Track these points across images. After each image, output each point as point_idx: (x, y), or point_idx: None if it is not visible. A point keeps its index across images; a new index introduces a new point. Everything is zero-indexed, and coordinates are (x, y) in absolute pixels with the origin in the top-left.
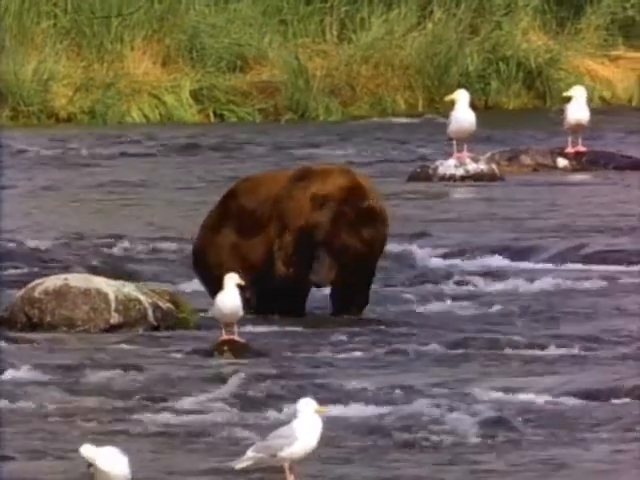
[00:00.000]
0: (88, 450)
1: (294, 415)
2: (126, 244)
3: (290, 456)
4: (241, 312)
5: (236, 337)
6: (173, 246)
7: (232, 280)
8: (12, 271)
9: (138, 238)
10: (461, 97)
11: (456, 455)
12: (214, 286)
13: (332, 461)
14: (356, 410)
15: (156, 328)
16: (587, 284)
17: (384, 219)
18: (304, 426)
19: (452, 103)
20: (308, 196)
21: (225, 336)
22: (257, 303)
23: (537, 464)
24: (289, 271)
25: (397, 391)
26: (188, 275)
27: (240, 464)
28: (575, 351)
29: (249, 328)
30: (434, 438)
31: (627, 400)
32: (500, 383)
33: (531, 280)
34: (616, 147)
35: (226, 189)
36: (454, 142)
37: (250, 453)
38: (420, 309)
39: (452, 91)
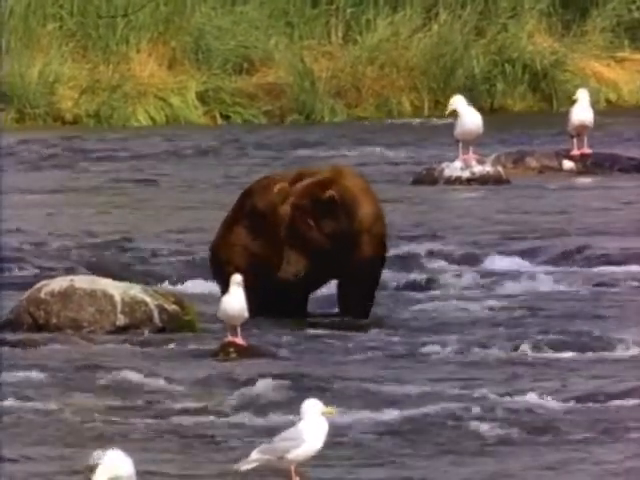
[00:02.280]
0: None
1: (300, 417)
2: (132, 246)
3: (296, 458)
4: (246, 314)
5: (239, 340)
6: (179, 248)
7: (238, 282)
8: (18, 272)
9: (144, 240)
10: (459, 102)
11: (464, 457)
12: (226, 285)
13: (339, 463)
14: (363, 412)
15: (162, 330)
16: (593, 286)
17: (350, 212)
18: (310, 428)
19: (453, 112)
20: (277, 193)
21: (230, 338)
22: (262, 303)
23: (547, 466)
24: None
25: (403, 393)
26: (194, 277)
27: (245, 466)
28: (581, 353)
29: (255, 330)
30: (442, 440)
31: (627, 402)
32: (506, 385)
33: (537, 282)
34: (622, 149)
35: (234, 189)
36: (460, 144)
37: (256, 455)
38: (426, 311)
39: (458, 93)
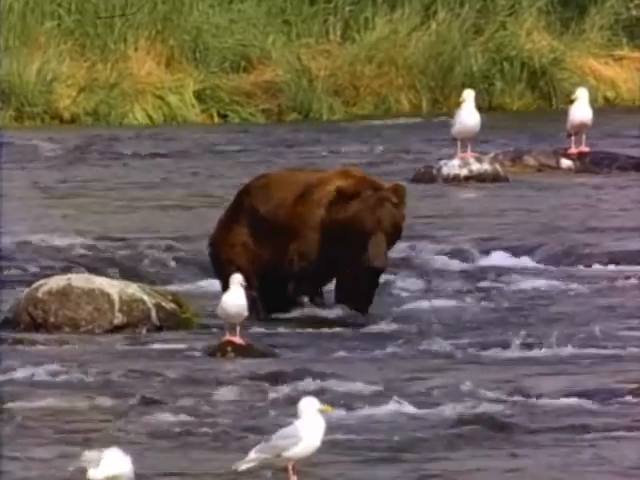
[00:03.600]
0: (96, 474)
1: (297, 415)
2: (129, 244)
3: (295, 456)
4: (246, 313)
5: (237, 339)
6: (176, 247)
7: (237, 281)
8: (15, 271)
9: (141, 239)
10: (468, 97)
11: (461, 455)
12: (225, 282)
13: (337, 461)
14: (360, 411)
15: (159, 328)
16: (591, 284)
17: None
18: (308, 426)
19: (458, 104)
20: (330, 195)
21: (229, 337)
22: (265, 303)
23: (541, 465)
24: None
25: (402, 391)
26: (191, 276)
27: (244, 465)
28: (579, 352)
29: (253, 328)
30: (439, 438)
31: (628, 400)
32: (504, 383)
33: (534, 280)
34: (619, 147)
35: (232, 187)
36: (458, 142)
37: (254, 454)
38: (423, 310)
39: (456, 91)
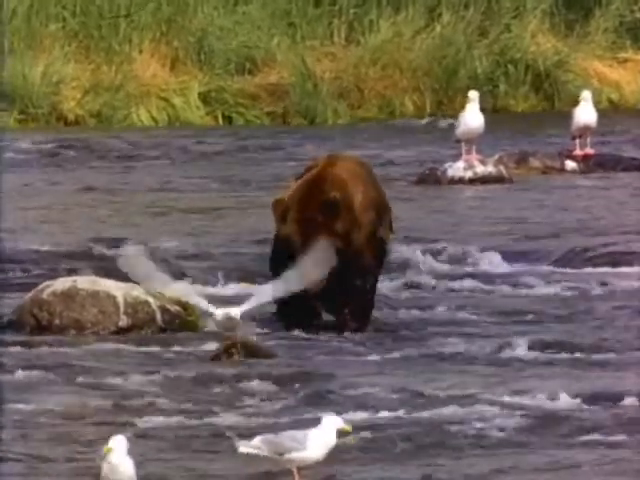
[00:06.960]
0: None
1: (310, 422)
2: (134, 247)
3: (294, 461)
4: (239, 319)
5: (241, 340)
6: (181, 249)
7: None
8: (20, 273)
9: (145, 241)
10: (473, 98)
11: (462, 456)
12: None
13: (339, 464)
14: (363, 413)
15: (164, 331)
16: (596, 287)
17: None
18: (318, 439)
19: (463, 106)
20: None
21: (233, 339)
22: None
23: (541, 467)
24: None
25: (402, 393)
26: (195, 278)
27: (246, 449)
28: (578, 354)
29: (257, 331)
30: (440, 439)
31: (628, 403)
32: (503, 386)
33: (538, 283)
34: (624, 150)
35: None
36: (463, 144)
37: (258, 442)
38: (426, 312)
39: (461, 93)
